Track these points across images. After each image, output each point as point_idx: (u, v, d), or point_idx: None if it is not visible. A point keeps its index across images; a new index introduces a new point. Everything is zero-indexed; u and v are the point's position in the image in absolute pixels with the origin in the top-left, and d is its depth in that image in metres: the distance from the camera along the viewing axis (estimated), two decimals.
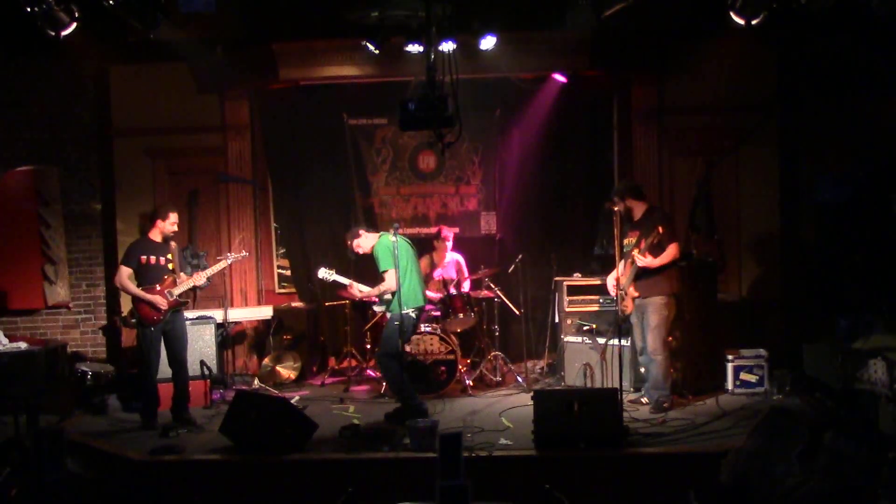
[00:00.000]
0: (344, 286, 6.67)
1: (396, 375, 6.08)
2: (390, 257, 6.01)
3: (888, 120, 6.92)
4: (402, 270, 6.05)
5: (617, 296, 6.29)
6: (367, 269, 6.63)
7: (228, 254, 6.92)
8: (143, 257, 6.25)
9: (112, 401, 6.96)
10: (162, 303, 6.20)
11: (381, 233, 6.34)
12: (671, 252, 6.17)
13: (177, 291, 6.30)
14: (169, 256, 6.35)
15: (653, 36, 7.66)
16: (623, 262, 6.23)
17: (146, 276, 6.25)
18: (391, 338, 6.06)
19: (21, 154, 7.92)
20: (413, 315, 6.15)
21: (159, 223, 6.30)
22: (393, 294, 6.07)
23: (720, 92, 8.03)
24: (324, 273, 6.66)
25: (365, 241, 6.34)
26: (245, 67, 8.08)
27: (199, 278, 6.49)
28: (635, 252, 6.11)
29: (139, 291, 6.20)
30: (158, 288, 6.24)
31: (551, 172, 8.47)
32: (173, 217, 6.31)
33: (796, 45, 7.41)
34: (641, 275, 6.18)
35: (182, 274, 6.43)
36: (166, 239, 6.34)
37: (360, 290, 6.46)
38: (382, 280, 6.09)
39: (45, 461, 4.15)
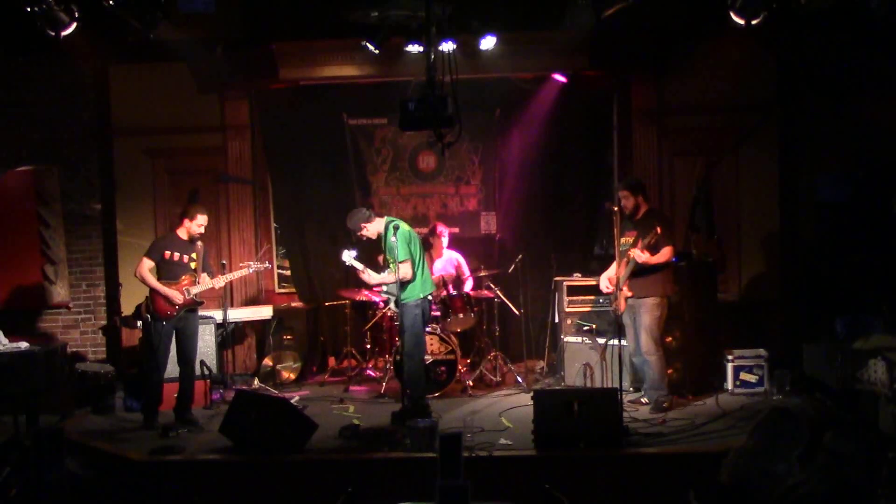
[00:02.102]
0: (358, 271, 6.60)
1: (419, 369, 6.17)
2: (408, 247, 6.12)
3: (888, 120, 6.91)
4: (418, 259, 6.20)
5: (611, 294, 6.31)
6: (369, 254, 6.63)
7: (251, 263, 6.92)
8: (167, 252, 6.27)
9: (113, 401, 6.95)
10: (178, 297, 6.21)
11: (387, 218, 6.37)
12: (666, 254, 6.18)
13: (195, 290, 6.31)
14: (193, 255, 6.35)
15: (653, 36, 7.64)
16: (618, 260, 6.25)
17: (167, 272, 6.27)
18: (415, 325, 6.16)
19: (21, 154, 7.91)
20: (430, 300, 6.35)
21: (186, 222, 6.32)
22: (407, 283, 6.14)
23: (720, 92, 8.02)
24: (347, 256, 6.60)
25: (373, 227, 6.34)
26: (245, 67, 8.07)
27: (219, 282, 6.52)
28: (633, 249, 6.13)
29: (157, 284, 6.22)
30: (179, 283, 6.26)
31: (551, 172, 8.48)
32: (201, 219, 6.32)
33: (796, 45, 7.41)
34: (636, 274, 6.19)
35: (204, 275, 6.41)
36: (193, 238, 6.35)
37: (376, 278, 6.42)
38: (385, 267, 6.22)
39: (45, 461, 4.15)
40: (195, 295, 6.32)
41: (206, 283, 6.38)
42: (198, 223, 6.30)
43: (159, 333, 6.25)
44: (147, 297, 6.33)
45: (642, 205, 6.38)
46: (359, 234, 6.38)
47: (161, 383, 6.35)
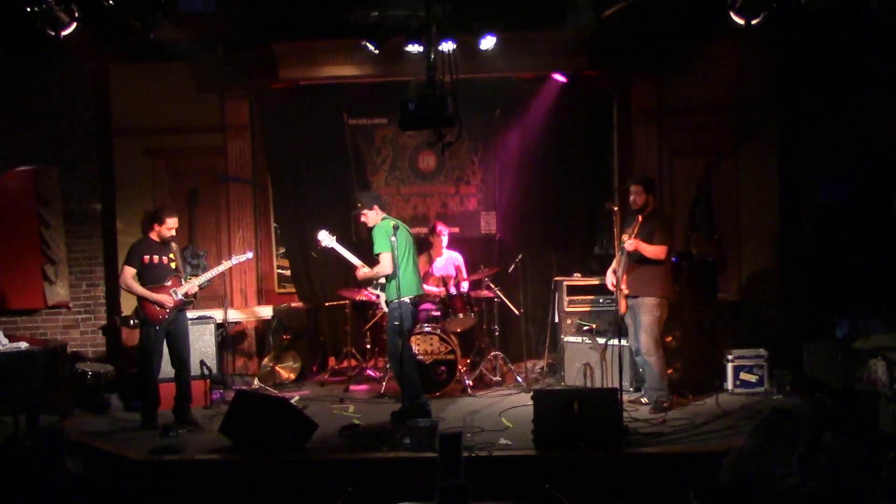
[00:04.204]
0: (342, 257, 6.55)
1: (409, 371, 6.08)
2: (386, 240, 6.01)
3: (888, 120, 6.92)
4: (399, 257, 6.05)
5: (615, 294, 6.32)
6: (369, 252, 6.59)
7: (233, 256, 6.93)
8: (146, 257, 6.28)
9: (113, 400, 6.96)
10: (168, 301, 6.23)
11: (386, 216, 6.29)
12: (658, 250, 6.18)
13: (181, 291, 6.33)
14: (171, 256, 6.38)
15: (653, 36, 7.64)
16: (618, 257, 6.27)
17: (150, 276, 6.28)
18: (393, 328, 6.06)
19: (21, 154, 7.91)
20: (409, 303, 6.14)
21: (156, 227, 6.32)
22: (388, 279, 6.06)
23: (720, 92, 8.02)
24: (324, 237, 6.55)
25: (372, 216, 6.27)
26: (245, 67, 8.07)
27: (203, 279, 6.55)
28: (624, 236, 6.16)
29: (145, 291, 6.22)
30: (166, 286, 6.27)
31: (551, 172, 8.48)
32: (170, 222, 6.32)
33: (796, 45, 7.40)
34: (635, 273, 6.19)
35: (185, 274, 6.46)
36: (165, 241, 6.36)
37: (359, 267, 6.35)
38: (377, 262, 6.10)
39: (45, 461, 4.14)
40: (183, 295, 6.33)
41: (190, 282, 6.42)
42: (168, 227, 6.30)
43: (152, 338, 6.26)
44: (137, 304, 6.34)
45: (650, 203, 6.39)
46: (364, 210, 6.26)
47: (157, 385, 6.36)
